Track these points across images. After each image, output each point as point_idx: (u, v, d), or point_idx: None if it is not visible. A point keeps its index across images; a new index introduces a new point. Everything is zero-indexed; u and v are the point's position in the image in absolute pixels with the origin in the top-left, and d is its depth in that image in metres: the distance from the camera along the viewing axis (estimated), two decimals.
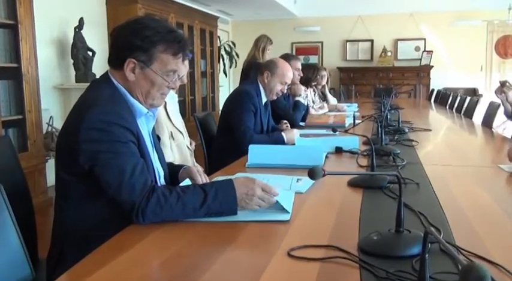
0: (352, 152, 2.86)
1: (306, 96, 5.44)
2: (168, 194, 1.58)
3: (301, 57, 11.27)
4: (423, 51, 11.14)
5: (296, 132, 3.42)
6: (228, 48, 10.75)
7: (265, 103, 3.64)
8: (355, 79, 11.31)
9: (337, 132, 3.26)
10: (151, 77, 1.73)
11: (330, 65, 10.71)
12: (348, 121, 4.37)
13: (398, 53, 11.38)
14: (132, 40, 1.69)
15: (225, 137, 3.41)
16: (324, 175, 1.37)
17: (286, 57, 4.24)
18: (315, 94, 5.99)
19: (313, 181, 1.91)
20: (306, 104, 4.85)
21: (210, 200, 1.60)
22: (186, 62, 2.58)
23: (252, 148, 2.59)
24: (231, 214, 1.62)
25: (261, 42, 5.90)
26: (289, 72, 3.62)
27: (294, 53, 11.36)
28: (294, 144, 3.20)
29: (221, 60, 10.38)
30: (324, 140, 3.12)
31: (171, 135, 2.60)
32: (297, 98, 4.76)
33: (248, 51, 6.04)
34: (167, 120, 2.57)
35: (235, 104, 3.45)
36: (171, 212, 1.57)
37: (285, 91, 3.64)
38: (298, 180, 2.13)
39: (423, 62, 11.07)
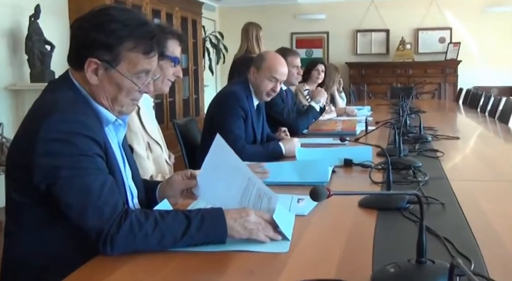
0: (364, 166, 2.87)
1: (309, 97, 5.46)
2: (143, 220, 1.58)
3: (303, 50, 11.32)
4: (449, 43, 11.21)
5: (296, 141, 3.42)
6: (214, 41, 10.78)
7: (257, 106, 3.64)
8: (368, 77, 11.36)
9: (346, 142, 3.27)
10: (117, 80, 1.72)
11: (337, 60, 10.75)
12: (359, 128, 4.39)
13: (420, 46, 11.43)
14: (93, 35, 1.68)
15: (210, 146, 3.40)
16: (329, 196, 1.36)
17: (283, 52, 4.25)
18: None
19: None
20: (320, 111, 4.85)
21: (194, 229, 1.60)
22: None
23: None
24: (219, 243, 1.62)
25: (251, 32, 5.91)
26: (280, 66, 3.53)
27: (294, 45, 11.41)
28: (293, 156, 3.20)
29: (206, 54, 10.39)
30: (330, 151, 3.12)
31: (148, 146, 2.59)
32: (312, 103, 4.76)
33: (239, 43, 6.06)
34: (141, 129, 2.55)
35: (220, 108, 3.45)
36: (146, 242, 1.57)
37: (278, 90, 3.59)
38: (299, 200, 2.13)
39: (449, 56, 11.13)
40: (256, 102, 3.60)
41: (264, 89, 3.52)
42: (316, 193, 1.37)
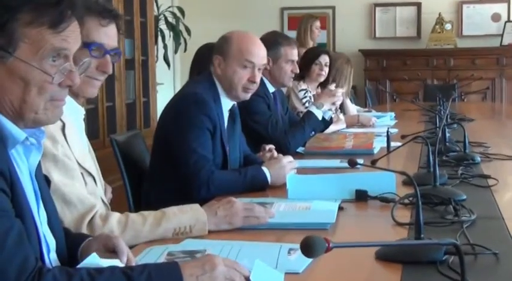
0: (384, 200, 2.88)
1: (307, 100, 5.48)
2: None
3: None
4: (506, 22, 11.26)
5: (285, 162, 3.36)
6: (171, 20, 10.78)
7: (230, 113, 3.64)
8: (391, 70, 11.37)
9: (358, 166, 3.27)
10: (20, 71, 1.69)
11: (347, 47, 10.76)
12: (378, 144, 4.41)
13: (464, 26, 11.49)
14: None
15: (164, 172, 3.39)
16: (327, 250, 1.32)
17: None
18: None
19: None
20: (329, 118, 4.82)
21: None
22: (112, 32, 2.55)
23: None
24: None
25: (304, 24, 7.68)
26: (253, 46, 3.51)
27: (285, 27, 11.41)
28: (283, 184, 3.19)
29: (160, 39, 10.40)
30: (337, 179, 3.12)
31: (84, 179, 2.55)
32: (312, 109, 4.69)
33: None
34: (70, 154, 2.48)
35: (177, 117, 3.42)
36: None
37: (258, 80, 3.50)
38: (290, 251, 2.14)
39: (506, 41, 11.19)
40: (228, 106, 3.57)
41: (238, 82, 3.47)
42: (309, 245, 1.31)
